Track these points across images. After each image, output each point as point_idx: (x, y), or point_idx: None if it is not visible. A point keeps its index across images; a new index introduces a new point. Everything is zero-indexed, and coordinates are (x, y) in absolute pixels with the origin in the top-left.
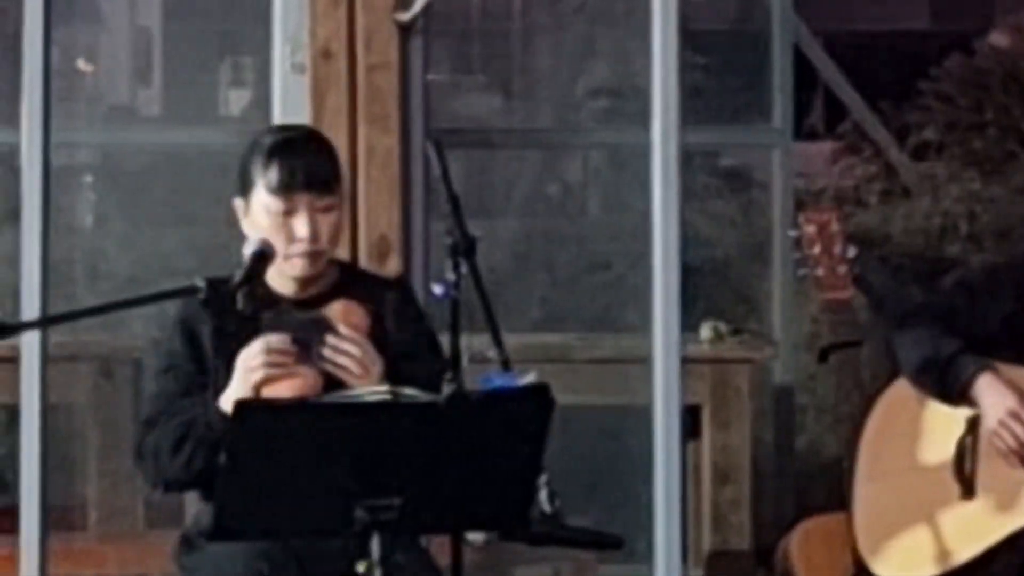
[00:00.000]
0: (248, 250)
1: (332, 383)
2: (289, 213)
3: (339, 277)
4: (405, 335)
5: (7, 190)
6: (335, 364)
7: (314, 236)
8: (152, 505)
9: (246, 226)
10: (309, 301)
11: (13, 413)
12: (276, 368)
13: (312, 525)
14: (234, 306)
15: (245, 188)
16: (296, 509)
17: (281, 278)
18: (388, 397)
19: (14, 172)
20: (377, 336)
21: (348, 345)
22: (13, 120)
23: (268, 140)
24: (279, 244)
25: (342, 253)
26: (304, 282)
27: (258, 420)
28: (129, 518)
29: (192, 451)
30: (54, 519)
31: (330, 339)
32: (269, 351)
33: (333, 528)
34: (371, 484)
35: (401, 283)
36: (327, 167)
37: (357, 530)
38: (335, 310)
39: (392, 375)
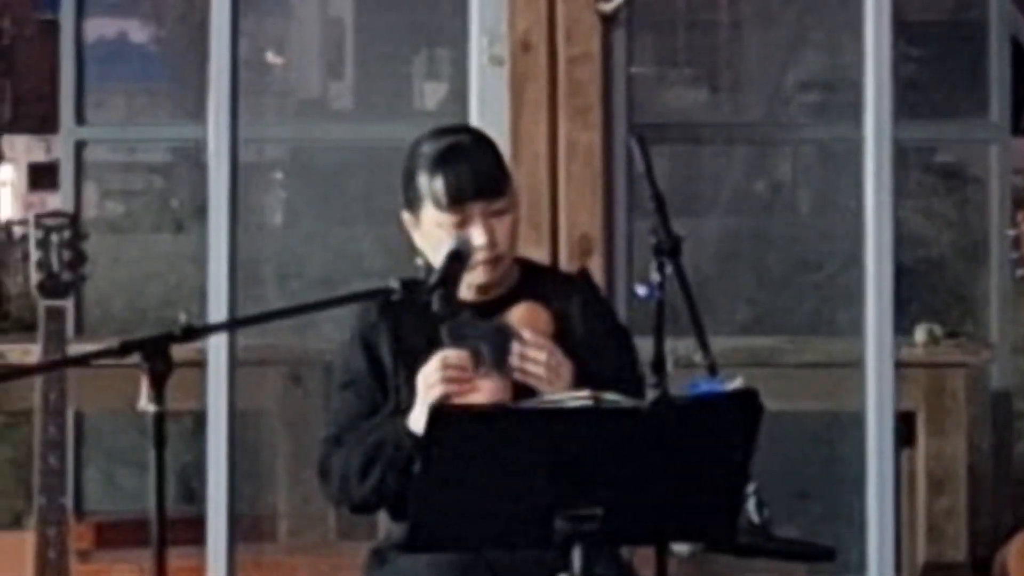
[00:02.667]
0: (444, 250)
1: (520, 392)
2: (463, 223)
3: (521, 277)
4: (592, 332)
5: (194, 187)
6: (523, 372)
7: (492, 243)
8: (344, 515)
9: (418, 239)
10: (492, 304)
11: (200, 419)
12: (455, 383)
13: (510, 536)
14: (428, 309)
15: (412, 203)
16: (493, 519)
17: (462, 284)
18: (589, 403)
19: (201, 168)
20: (563, 336)
21: (534, 351)
22: (200, 115)
23: (429, 150)
24: None
25: (541, 254)
26: (486, 286)
27: (454, 427)
28: (320, 529)
29: (382, 474)
30: (242, 530)
31: (515, 347)
32: (446, 367)
33: (532, 539)
34: (572, 493)
35: (585, 278)
36: (495, 169)
37: (557, 542)
38: (518, 315)
39: (581, 375)
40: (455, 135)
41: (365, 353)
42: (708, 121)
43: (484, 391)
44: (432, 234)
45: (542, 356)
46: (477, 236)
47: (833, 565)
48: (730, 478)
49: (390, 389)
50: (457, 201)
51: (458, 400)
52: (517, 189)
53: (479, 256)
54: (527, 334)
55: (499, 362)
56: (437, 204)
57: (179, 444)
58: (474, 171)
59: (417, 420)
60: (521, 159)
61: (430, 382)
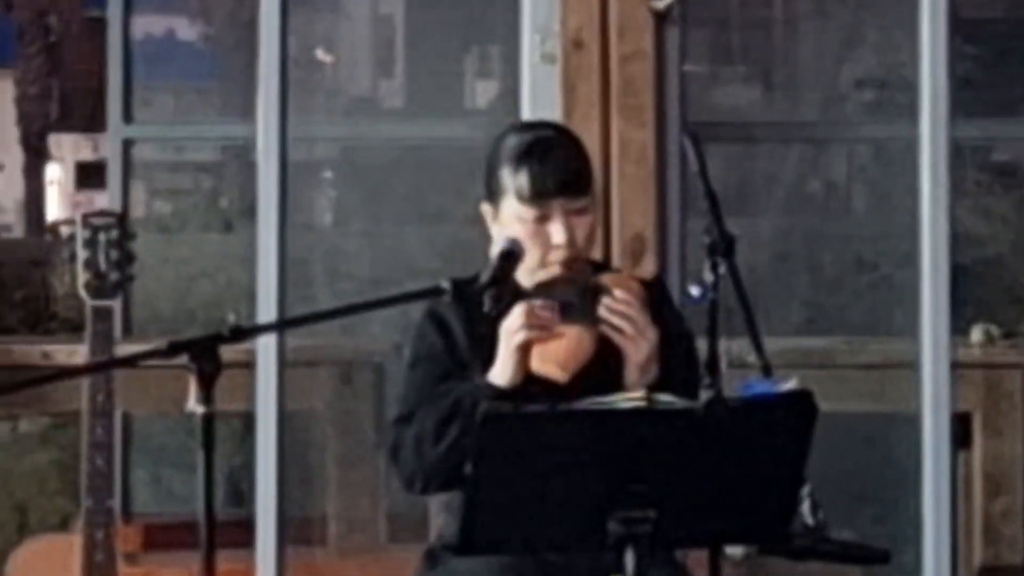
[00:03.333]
0: (495, 250)
1: (604, 351)
2: (543, 219)
3: (583, 291)
4: (663, 337)
5: (242, 186)
6: (610, 325)
7: (570, 241)
8: (395, 518)
9: (495, 231)
10: None
11: (249, 421)
12: (538, 330)
13: (563, 538)
14: (480, 308)
15: (493, 194)
16: (546, 521)
17: (532, 280)
18: (643, 404)
19: (250, 167)
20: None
21: (623, 307)
22: (249, 113)
23: (515, 142)
24: (534, 251)
25: (594, 254)
26: None
27: (507, 428)
28: (371, 532)
29: (459, 433)
30: (292, 532)
31: (604, 299)
32: (530, 313)
33: (585, 542)
34: (625, 495)
35: (658, 283)
36: (580, 167)
37: (610, 544)
38: (609, 278)
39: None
40: (542, 130)
41: (439, 329)
42: (762, 120)
43: (568, 338)
44: (511, 228)
45: (630, 311)
46: (557, 233)
47: (888, 568)
48: (784, 480)
49: (465, 367)
50: (539, 195)
51: (541, 347)
52: (599, 192)
53: (557, 255)
54: (618, 292)
55: (586, 313)
56: (519, 197)
57: (228, 446)
58: (559, 167)
59: (499, 373)
60: None
61: (512, 328)
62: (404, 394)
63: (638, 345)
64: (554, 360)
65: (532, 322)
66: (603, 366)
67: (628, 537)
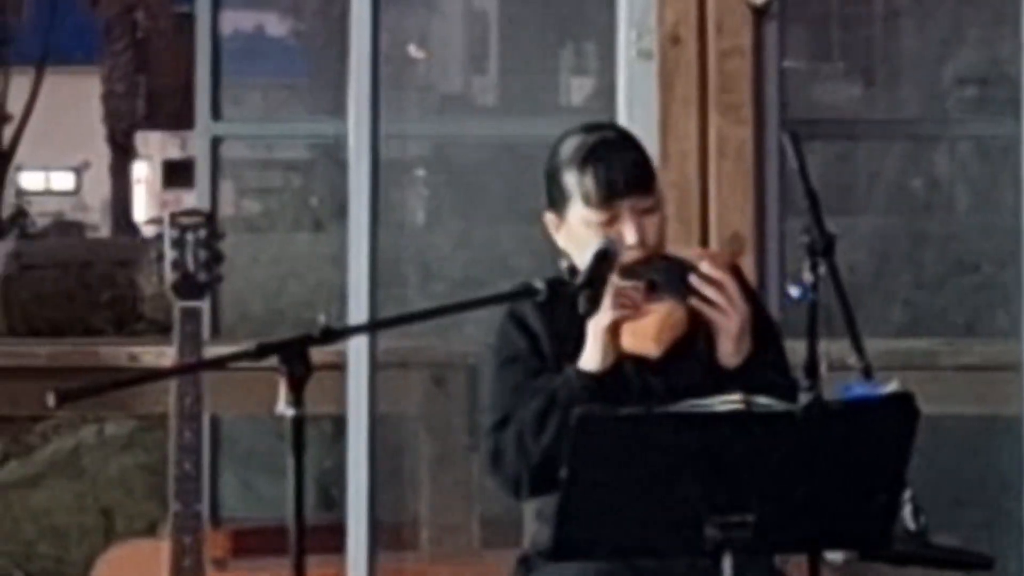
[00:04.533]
0: (591, 249)
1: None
2: (612, 222)
3: (669, 268)
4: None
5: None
6: (700, 298)
7: (642, 241)
8: (489, 522)
9: (562, 240)
10: None
11: (340, 424)
12: (625, 309)
13: (659, 544)
14: (574, 309)
15: (556, 202)
16: (641, 526)
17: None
18: (740, 406)
19: (340, 166)
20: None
21: (713, 280)
22: (340, 110)
23: (577, 145)
24: None
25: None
26: None
27: (601, 431)
28: (464, 536)
29: (558, 425)
30: (383, 537)
31: (693, 274)
32: (617, 293)
33: (681, 547)
34: (722, 499)
35: (735, 272)
36: (645, 165)
37: (707, 550)
38: (697, 254)
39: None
40: (601, 131)
41: (522, 331)
42: (862, 117)
43: (658, 313)
44: (579, 233)
45: (720, 284)
46: (629, 234)
47: (992, 573)
48: (885, 484)
49: (549, 368)
50: (609, 197)
51: (630, 324)
52: (663, 188)
53: (629, 256)
54: (705, 266)
55: (674, 289)
56: (587, 201)
57: (318, 449)
58: (625, 166)
59: (589, 358)
60: (670, 156)
61: (600, 310)
62: (495, 400)
63: (729, 316)
64: (645, 335)
65: (619, 301)
66: (696, 343)
67: (726, 542)
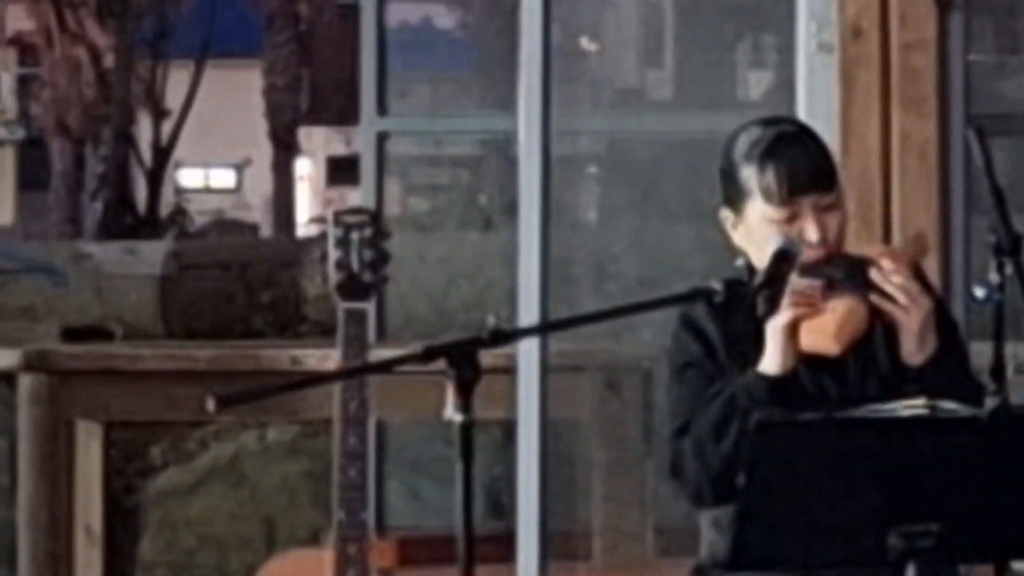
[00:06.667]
0: (770, 248)
1: (874, 324)
2: (792, 219)
3: (849, 266)
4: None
5: (503, 182)
6: (881, 295)
7: (824, 239)
8: (664, 531)
9: (739, 238)
10: None
11: (509, 429)
12: (803, 307)
13: (840, 553)
14: (753, 311)
15: (733, 199)
16: (822, 535)
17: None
18: (924, 412)
19: (511, 162)
20: (891, 328)
21: (894, 276)
22: (509, 105)
23: (754, 140)
24: None
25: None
26: None
27: (780, 437)
28: (638, 546)
29: (738, 432)
30: (555, 547)
31: (873, 271)
32: (793, 292)
33: (863, 557)
34: (905, 508)
35: (915, 270)
36: (826, 160)
37: (891, 559)
38: (877, 251)
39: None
40: (779, 125)
41: (695, 335)
42: None
43: (837, 311)
44: (757, 231)
45: (901, 279)
46: (810, 232)
47: None
48: None
49: (725, 371)
50: (790, 193)
51: (808, 323)
52: (844, 184)
53: (810, 254)
54: (884, 262)
55: (855, 286)
56: (767, 197)
57: (487, 456)
58: (806, 162)
59: (769, 361)
60: (851, 152)
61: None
62: (675, 407)
63: (911, 314)
64: (825, 333)
65: (796, 300)
66: (874, 342)
67: (909, 552)
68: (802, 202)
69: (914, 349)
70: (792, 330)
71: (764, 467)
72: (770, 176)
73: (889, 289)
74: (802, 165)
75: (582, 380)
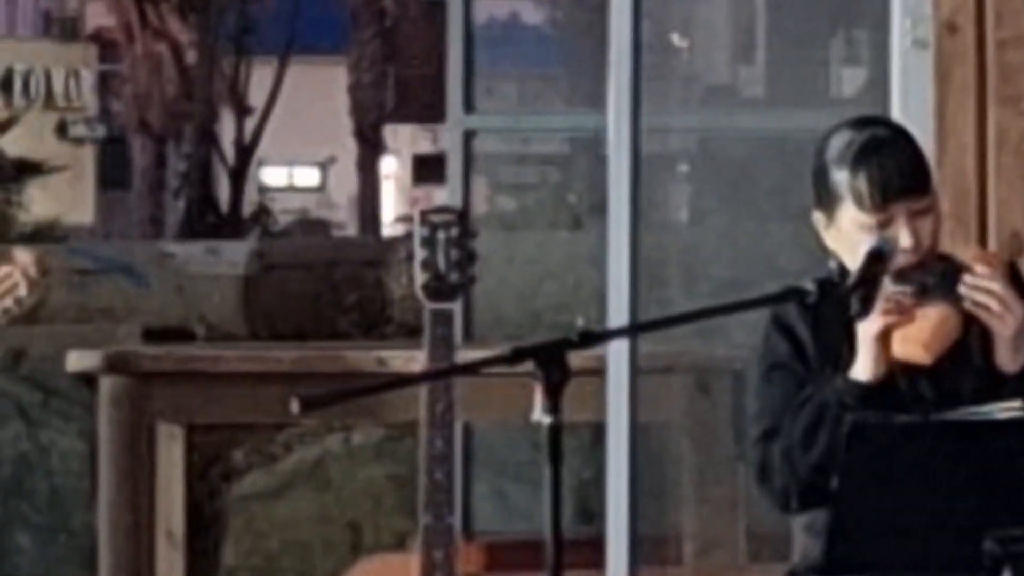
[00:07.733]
0: (862, 251)
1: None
2: (885, 224)
3: (942, 272)
4: None
5: (592, 180)
6: (974, 302)
7: (917, 245)
8: (756, 536)
9: (831, 240)
10: None
11: (598, 432)
12: (894, 315)
13: (934, 559)
14: (845, 312)
15: (825, 201)
16: (917, 540)
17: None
18: (1020, 413)
19: (600, 160)
20: (986, 332)
21: (986, 281)
22: (599, 102)
23: (848, 144)
24: None
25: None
26: None
27: (874, 440)
28: (729, 551)
29: (828, 439)
30: (644, 552)
31: (966, 277)
32: (885, 299)
33: (958, 562)
34: (1001, 512)
35: (1012, 272)
36: (920, 164)
37: (986, 565)
38: (971, 255)
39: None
40: (873, 127)
41: (785, 336)
42: None
43: (929, 318)
44: (849, 235)
45: (994, 286)
46: (904, 238)
47: None
48: None
49: (814, 374)
50: (883, 199)
51: (900, 331)
52: (938, 185)
53: (903, 260)
54: (979, 268)
55: (948, 293)
56: (859, 203)
57: (576, 459)
58: (899, 167)
59: (860, 368)
60: (947, 150)
61: (870, 316)
62: (762, 409)
63: (1005, 321)
64: (916, 342)
65: (887, 308)
66: (969, 348)
67: (1006, 557)
68: (895, 208)
69: (1008, 358)
70: (883, 338)
71: (858, 470)
72: (862, 182)
73: (982, 298)
74: (894, 170)
75: (672, 382)
